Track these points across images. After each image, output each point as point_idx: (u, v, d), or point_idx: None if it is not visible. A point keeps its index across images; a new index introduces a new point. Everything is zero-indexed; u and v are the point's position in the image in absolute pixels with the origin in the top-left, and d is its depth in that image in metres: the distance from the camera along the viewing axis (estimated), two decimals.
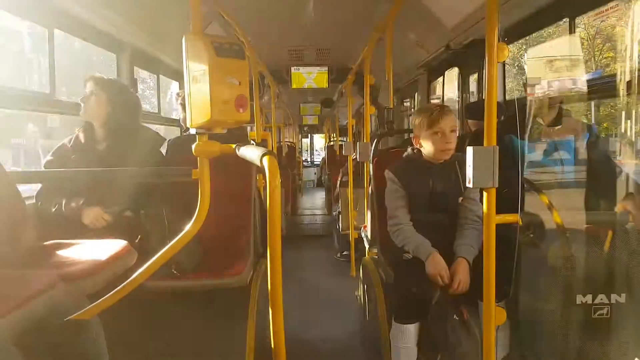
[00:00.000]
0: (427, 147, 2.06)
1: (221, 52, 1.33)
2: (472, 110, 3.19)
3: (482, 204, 1.45)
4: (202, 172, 1.50)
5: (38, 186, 2.18)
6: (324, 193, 9.84)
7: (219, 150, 1.45)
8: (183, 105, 3.11)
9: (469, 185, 1.42)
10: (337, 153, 8.51)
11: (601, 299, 1.56)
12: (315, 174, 14.82)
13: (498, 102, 2.09)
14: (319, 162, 15.10)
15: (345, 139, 11.32)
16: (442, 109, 2.04)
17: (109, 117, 2.21)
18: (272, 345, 1.19)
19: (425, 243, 1.98)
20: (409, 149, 2.20)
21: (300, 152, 14.26)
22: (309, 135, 17.36)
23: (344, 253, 5.10)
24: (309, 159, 17.03)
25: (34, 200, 2.15)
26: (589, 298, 1.55)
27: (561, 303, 1.59)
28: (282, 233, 1.19)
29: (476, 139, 2.12)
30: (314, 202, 10.57)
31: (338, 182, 5.61)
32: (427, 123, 2.02)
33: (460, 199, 2.08)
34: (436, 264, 1.91)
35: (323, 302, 3.83)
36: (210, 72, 1.30)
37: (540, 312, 1.66)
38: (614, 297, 1.55)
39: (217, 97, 1.31)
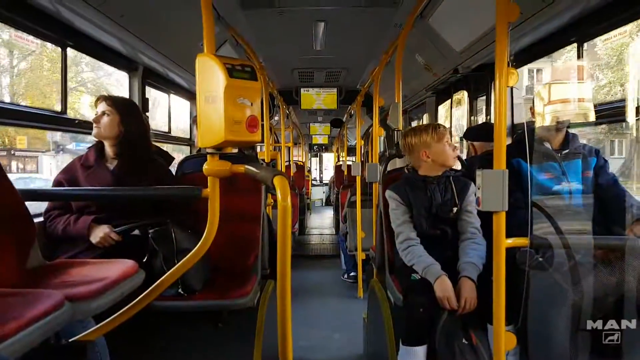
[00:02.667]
0: (441, 157, 2.18)
1: (234, 74, 1.35)
2: (475, 132, 3.18)
3: (490, 225, 1.44)
4: (212, 191, 1.51)
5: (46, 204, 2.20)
6: (332, 212, 9.84)
7: (229, 170, 1.46)
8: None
9: (479, 207, 1.42)
10: (345, 173, 8.51)
11: (611, 325, 1.54)
12: (324, 192, 14.84)
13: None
14: (327, 181, 15.15)
15: (353, 159, 11.37)
16: (441, 125, 2.25)
17: (121, 136, 2.23)
18: None
19: (434, 265, 2.00)
20: (405, 170, 2.33)
21: (310, 171, 14.27)
22: (319, 154, 17.42)
23: (352, 274, 5.06)
24: (318, 178, 17.04)
25: (42, 218, 2.16)
26: (599, 324, 1.53)
27: (571, 328, 1.57)
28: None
29: (487, 161, 2.13)
30: (323, 222, 10.55)
31: (346, 203, 5.58)
32: (437, 137, 2.19)
33: (455, 209, 2.15)
34: (444, 287, 1.91)
35: (330, 324, 3.80)
36: (223, 93, 1.31)
37: (550, 337, 1.63)
38: (624, 322, 1.53)
39: (230, 118, 1.33)
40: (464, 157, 3.13)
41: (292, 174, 8.87)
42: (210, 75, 1.35)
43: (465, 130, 3.63)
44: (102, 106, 2.21)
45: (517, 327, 1.71)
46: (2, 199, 1.36)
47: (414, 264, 2.07)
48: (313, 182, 14.68)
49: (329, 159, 17.29)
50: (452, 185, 2.18)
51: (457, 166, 2.28)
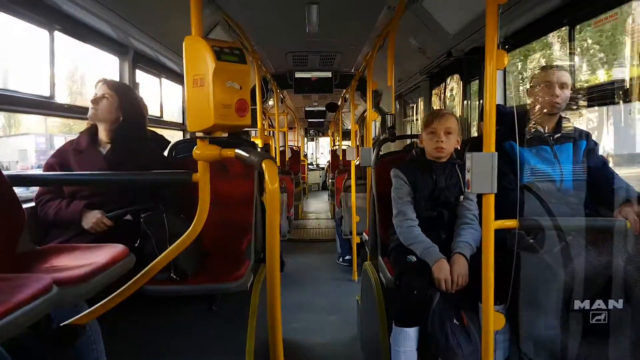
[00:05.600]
0: (425, 145, 2.22)
1: (222, 56, 1.33)
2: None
3: (481, 208, 1.45)
4: (202, 176, 1.50)
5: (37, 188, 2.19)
6: (329, 195, 9.87)
7: (218, 154, 1.45)
8: None
9: (468, 190, 1.43)
10: (341, 158, 8.50)
11: (599, 305, 1.57)
12: (320, 176, 14.88)
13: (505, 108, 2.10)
14: (324, 165, 15.19)
15: (349, 144, 11.35)
16: (440, 112, 2.27)
17: (118, 121, 2.22)
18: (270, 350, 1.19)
19: (433, 248, 2.02)
20: (413, 151, 2.33)
21: (305, 156, 14.26)
22: (315, 138, 17.41)
23: (347, 258, 5.09)
24: (314, 162, 17.05)
25: (33, 204, 2.15)
26: (586, 304, 1.56)
27: (559, 308, 1.60)
28: (285, 237, 1.19)
29: (478, 143, 2.13)
30: (318, 206, 10.58)
31: (342, 187, 5.59)
32: (424, 123, 2.25)
33: (462, 197, 2.16)
34: (443, 269, 1.93)
35: (324, 307, 3.83)
36: (212, 76, 1.30)
37: (539, 317, 1.66)
38: (611, 302, 1.56)
39: (218, 102, 1.32)
40: None
41: (287, 159, 8.85)
42: (198, 58, 1.33)
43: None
44: (103, 89, 2.20)
45: (506, 307, 1.74)
46: None
47: (411, 243, 2.08)
48: (309, 166, 14.69)
49: (325, 142, 17.29)
50: (458, 172, 2.19)
51: None
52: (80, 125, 2.41)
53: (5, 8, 2.12)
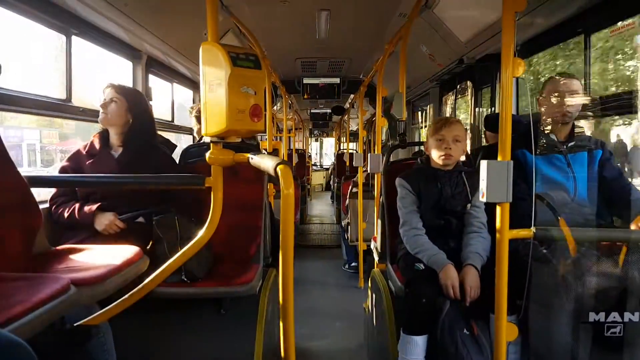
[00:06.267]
0: (432, 153, 2.20)
1: (238, 62, 1.34)
2: (491, 121, 3.13)
3: (494, 217, 1.44)
4: (215, 180, 1.51)
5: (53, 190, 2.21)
6: (332, 197, 9.83)
7: (232, 159, 1.46)
8: (198, 118, 3.17)
9: (482, 199, 1.42)
10: (347, 163, 8.45)
11: (614, 317, 1.54)
12: (324, 177, 14.86)
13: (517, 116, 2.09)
14: (328, 166, 15.19)
15: (355, 147, 11.27)
16: (448, 119, 2.25)
17: (127, 124, 2.25)
18: (282, 355, 1.19)
19: (440, 255, 2.01)
20: (419, 160, 2.32)
21: (310, 157, 14.24)
22: (319, 139, 17.40)
23: (352, 264, 5.07)
24: (318, 163, 17.03)
25: (47, 205, 2.17)
26: (601, 316, 1.54)
27: (573, 320, 1.58)
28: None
29: (490, 152, 2.12)
30: (323, 209, 10.56)
31: (348, 193, 5.57)
32: (432, 130, 2.20)
33: (469, 205, 2.14)
34: (450, 275, 1.92)
35: (330, 313, 3.82)
36: (227, 82, 1.31)
37: (552, 329, 1.64)
38: (627, 315, 1.54)
39: (233, 107, 1.32)
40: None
41: (293, 164, 8.82)
42: (214, 64, 1.34)
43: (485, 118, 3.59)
44: (110, 93, 2.24)
45: (519, 318, 1.72)
46: (8, 185, 1.36)
47: (418, 252, 2.08)
48: (313, 167, 14.65)
49: (330, 143, 17.27)
50: (465, 180, 2.16)
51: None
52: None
53: (27, 13, 2.17)
